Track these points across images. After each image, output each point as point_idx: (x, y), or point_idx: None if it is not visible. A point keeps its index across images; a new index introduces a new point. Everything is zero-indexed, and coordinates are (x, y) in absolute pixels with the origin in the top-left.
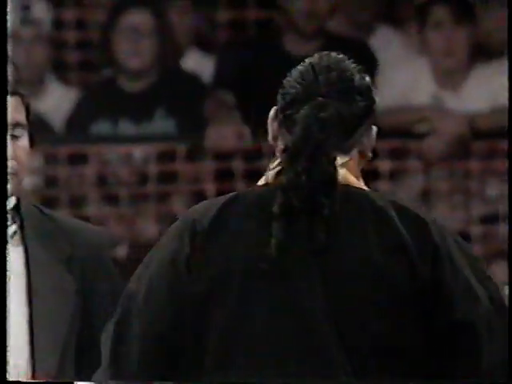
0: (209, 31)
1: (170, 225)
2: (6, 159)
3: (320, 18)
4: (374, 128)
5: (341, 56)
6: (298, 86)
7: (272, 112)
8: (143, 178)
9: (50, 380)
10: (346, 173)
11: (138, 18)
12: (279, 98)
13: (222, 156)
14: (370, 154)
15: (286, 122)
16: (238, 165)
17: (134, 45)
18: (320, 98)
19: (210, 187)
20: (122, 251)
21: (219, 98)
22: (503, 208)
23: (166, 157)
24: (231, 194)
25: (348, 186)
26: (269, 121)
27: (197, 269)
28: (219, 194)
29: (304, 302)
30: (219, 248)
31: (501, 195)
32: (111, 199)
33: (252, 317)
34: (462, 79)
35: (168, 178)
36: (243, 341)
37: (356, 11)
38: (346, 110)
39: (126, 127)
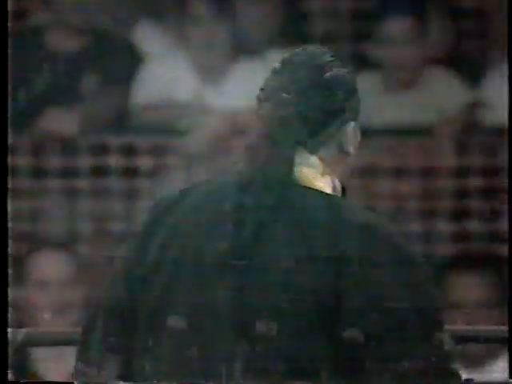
0: None
1: None
2: (6, 159)
3: (86, 13)
4: (352, 123)
5: (318, 50)
6: (269, 84)
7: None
8: None
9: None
10: (307, 172)
11: None
12: (257, 96)
13: None
14: (352, 150)
15: (257, 119)
16: None
17: None
18: (283, 95)
19: None
20: None
21: None
22: None
23: None
24: (196, 182)
25: (302, 188)
26: None
27: (146, 249)
28: None
29: (219, 303)
30: (161, 234)
31: None
32: None
33: (168, 314)
34: (222, 75)
35: None
36: (154, 336)
37: (118, 5)
38: (310, 106)
39: None
